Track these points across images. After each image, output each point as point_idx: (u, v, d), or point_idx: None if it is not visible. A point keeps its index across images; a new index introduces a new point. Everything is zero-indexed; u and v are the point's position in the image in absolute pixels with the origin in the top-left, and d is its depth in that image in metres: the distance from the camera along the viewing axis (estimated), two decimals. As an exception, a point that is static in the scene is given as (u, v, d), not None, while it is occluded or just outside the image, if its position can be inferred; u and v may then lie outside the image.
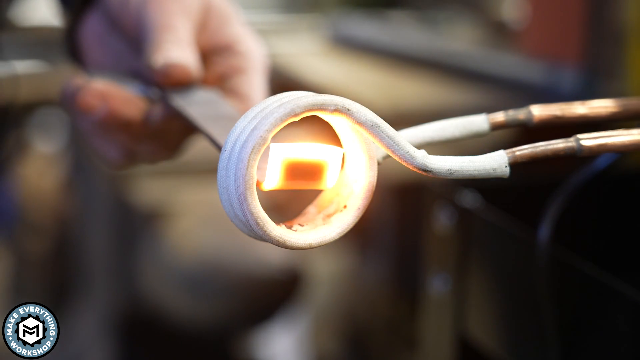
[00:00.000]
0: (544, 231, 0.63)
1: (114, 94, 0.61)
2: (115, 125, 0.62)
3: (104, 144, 0.64)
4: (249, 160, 0.43)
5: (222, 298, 1.52)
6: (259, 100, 0.64)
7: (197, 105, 0.60)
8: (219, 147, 0.52)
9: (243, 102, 0.64)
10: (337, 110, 0.44)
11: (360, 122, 0.44)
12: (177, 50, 0.61)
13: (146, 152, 0.64)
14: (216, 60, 0.66)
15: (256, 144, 0.43)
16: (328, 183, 0.46)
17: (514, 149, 0.47)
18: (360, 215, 0.47)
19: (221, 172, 0.44)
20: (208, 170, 1.53)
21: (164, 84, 0.61)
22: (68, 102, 0.63)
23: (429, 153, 0.46)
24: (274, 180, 0.45)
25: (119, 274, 1.59)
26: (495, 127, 0.52)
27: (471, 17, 2.00)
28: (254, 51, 0.66)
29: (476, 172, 0.46)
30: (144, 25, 0.63)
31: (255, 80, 0.65)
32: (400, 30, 2.02)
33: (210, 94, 0.63)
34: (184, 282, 1.51)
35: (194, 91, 0.62)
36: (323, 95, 0.44)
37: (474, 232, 0.75)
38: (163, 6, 0.63)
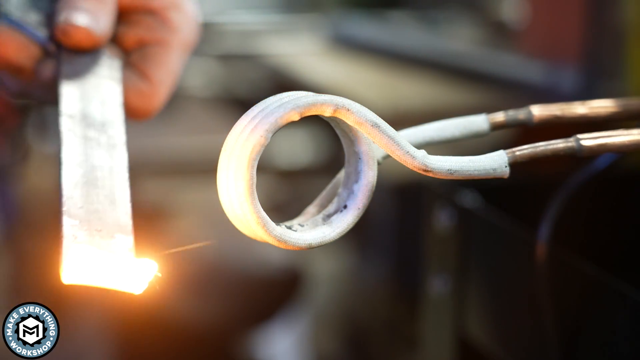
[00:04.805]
0: (544, 231, 0.63)
1: (7, 39, 0.58)
2: (6, 69, 0.59)
3: None
4: (249, 160, 0.43)
5: (222, 298, 1.52)
6: (163, 85, 0.60)
7: (81, 69, 0.58)
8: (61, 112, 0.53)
9: (144, 82, 0.59)
10: (337, 110, 0.44)
11: (360, 122, 0.44)
12: (88, 4, 0.57)
13: (38, 95, 0.61)
14: (139, 21, 0.60)
15: (256, 144, 0.43)
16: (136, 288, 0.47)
17: (514, 149, 0.47)
18: (360, 215, 0.47)
19: (221, 172, 0.44)
20: (208, 170, 1.53)
21: (63, 43, 0.58)
22: None
23: (429, 153, 0.46)
24: (73, 277, 0.46)
25: (119, 274, 1.59)
26: (495, 127, 0.52)
27: (471, 17, 2.00)
28: (185, 24, 0.60)
29: (476, 172, 0.46)
30: None
31: (170, 60, 0.60)
32: (400, 30, 2.02)
33: (107, 62, 0.59)
34: (184, 282, 1.51)
35: (93, 55, 0.59)
36: (323, 95, 0.44)
37: (474, 232, 0.75)
38: None
